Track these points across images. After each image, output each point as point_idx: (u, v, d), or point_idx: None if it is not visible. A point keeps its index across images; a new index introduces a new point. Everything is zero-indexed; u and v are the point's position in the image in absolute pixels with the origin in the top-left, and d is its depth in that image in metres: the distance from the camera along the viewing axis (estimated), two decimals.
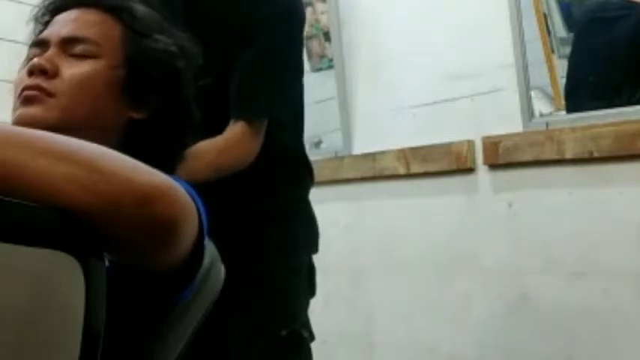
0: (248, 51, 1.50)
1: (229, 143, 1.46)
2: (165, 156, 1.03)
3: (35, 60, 1.01)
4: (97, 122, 1.00)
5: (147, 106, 1.04)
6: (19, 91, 1.01)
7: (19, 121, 0.97)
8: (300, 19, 1.61)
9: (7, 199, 0.66)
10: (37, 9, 1.11)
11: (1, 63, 1.92)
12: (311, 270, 1.64)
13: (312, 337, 1.58)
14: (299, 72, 1.63)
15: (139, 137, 1.02)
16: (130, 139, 1.02)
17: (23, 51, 1.09)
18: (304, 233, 1.64)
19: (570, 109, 2.01)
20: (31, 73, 1.00)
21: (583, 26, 2.05)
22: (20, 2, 2.52)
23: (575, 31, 2.05)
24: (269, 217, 1.57)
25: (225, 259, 1.11)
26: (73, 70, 1.00)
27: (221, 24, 1.51)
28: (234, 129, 1.47)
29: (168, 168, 1.01)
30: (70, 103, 0.99)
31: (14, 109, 1.00)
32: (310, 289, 1.63)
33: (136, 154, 0.77)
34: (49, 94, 0.98)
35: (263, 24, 1.50)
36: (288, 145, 1.62)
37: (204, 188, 0.98)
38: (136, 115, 1.03)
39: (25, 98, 0.99)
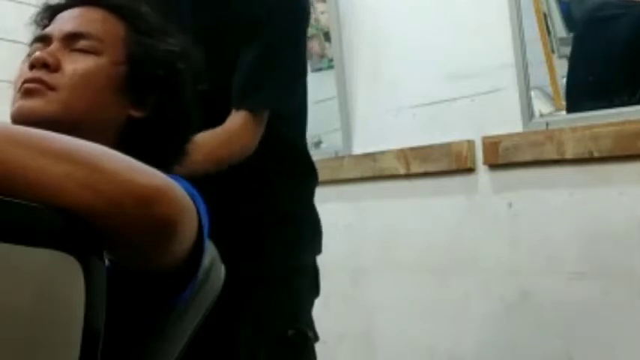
0: (254, 45, 1.49)
1: (229, 135, 1.44)
2: (163, 155, 1.03)
3: (37, 53, 1.00)
4: (96, 118, 0.99)
5: (147, 104, 1.03)
6: (19, 84, 1.00)
7: (19, 113, 0.97)
8: (307, 16, 1.61)
9: (7, 199, 0.66)
10: (39, 11, 1.10)
11: (1, 63, 1.91)
12: (316, 270, 1.64)
13: (316, 338, 1.58)
14: (303, 69, 1.62)
15: (138, 135, 1.02)
16: (128, 137, 1.01)
17: (24, 51, 1.08)
18: (310, 233, 1.64)
19: (570, 109, 2.01)
20: (33, 66, 1.00)
21: (583, 26, 2.05)
22: (21, 2, 2.52)
23: (575, 31, 2.05)
24: (276, 217, 1.56)
25: (231, 260, 1.11)
26: (75, 64, 1.00)
27: (227, 20, 1.50)
28: (235, 119, 1.45)
29: (166, 166, 1.01)
30: (71, 97, 0.98)
31: (13, 102, 1.00)
32: (315, 289, 1.64)
33: (134, 152, 0.76)
34: (50, 88, 0.98)
35: (270, 19, 1.49)
36: (292, 143, 1.61)
37: (209, 189, 0.98)
38: (135, 113, 1.03)
39: (26, 90, 0.98)
